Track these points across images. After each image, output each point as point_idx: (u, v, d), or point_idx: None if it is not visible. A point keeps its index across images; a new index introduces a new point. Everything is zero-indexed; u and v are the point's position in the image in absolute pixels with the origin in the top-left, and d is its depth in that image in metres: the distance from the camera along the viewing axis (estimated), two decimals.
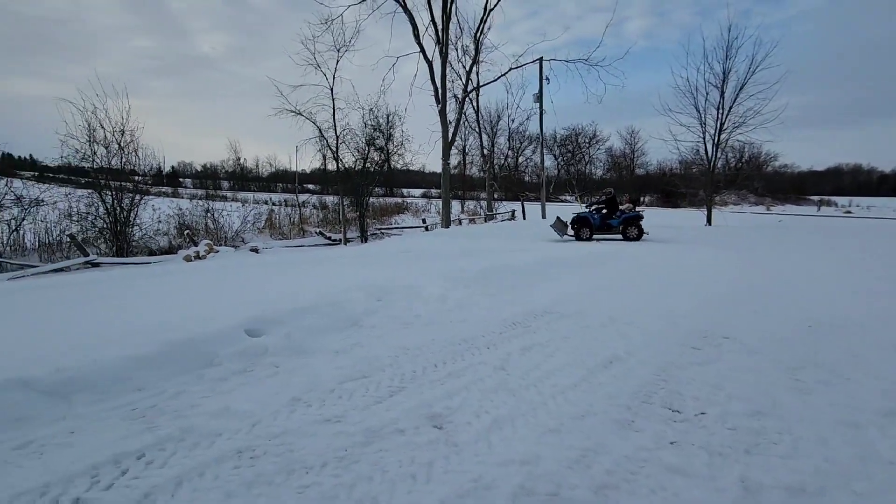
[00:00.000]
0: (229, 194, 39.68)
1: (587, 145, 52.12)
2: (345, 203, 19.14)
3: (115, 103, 13.92)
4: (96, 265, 12.29)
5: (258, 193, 42.13)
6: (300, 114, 17.40)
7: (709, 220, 21.27)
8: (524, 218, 25.36)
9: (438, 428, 2.49)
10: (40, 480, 2.02)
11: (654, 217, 19.86)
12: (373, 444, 2.33)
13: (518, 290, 6.15)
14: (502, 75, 20.46)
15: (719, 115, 19.98)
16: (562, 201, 43.59)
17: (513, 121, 29.96)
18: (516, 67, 20.34)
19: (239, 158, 53.90)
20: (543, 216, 20.99)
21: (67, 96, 14.47)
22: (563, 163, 52.73)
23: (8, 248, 12.77)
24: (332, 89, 17.59)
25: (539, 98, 21.47)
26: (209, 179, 51.89)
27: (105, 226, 14.03)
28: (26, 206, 13.00)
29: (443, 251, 11.08)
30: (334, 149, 18.02)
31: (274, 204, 25.65)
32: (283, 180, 56.25)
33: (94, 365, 2.90)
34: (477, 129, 27.85)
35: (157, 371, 3.12)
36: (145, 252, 14.77)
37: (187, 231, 15.91)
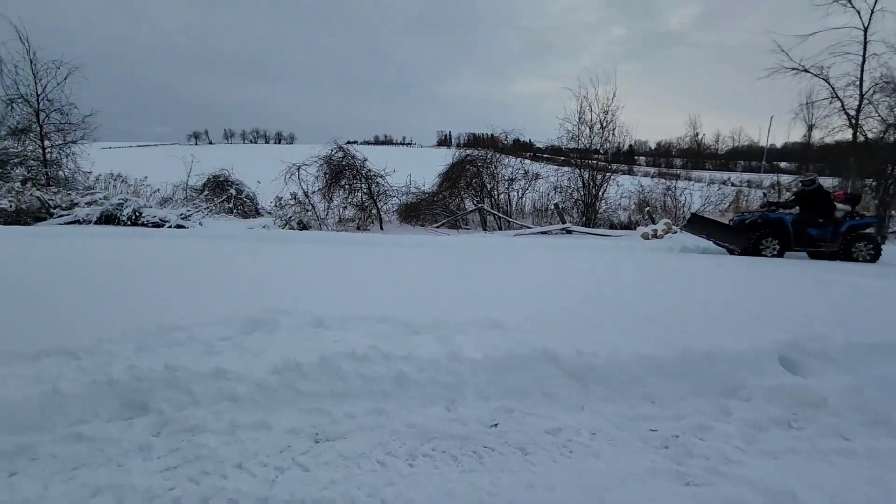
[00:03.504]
0: (682, 172, 38.05)
1: None
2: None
3: (604, 89, 15.10)
4: (569, 232, 14.08)
5: (714, 172, 38.44)
6: (807, 70, 13.55)
7: None
8: None
9: None
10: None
11: None
12: None
13: None
14: None
15: None
16: None
17: None
18: None
19: (697, 134, 50.53)
20: None
21: (556, 91, 16.90)
22: None
23: (515, 211, 16.53)
24: (865, 30, 12.71)
25: None
26: (661, 157, 51.61)
27: (580, 198, 15.85)
28: (529, 180, 16.32)
29: None
30: (853, 111, 13.16)
31: (733, 184, 22.39)
32: (746, 157, 49.04)
33: (611, 357, 2.60)
34: None
35: (670, 382, 2.55)
36: (606, 225, 15.82)
37: (647, 208, 15.92)
